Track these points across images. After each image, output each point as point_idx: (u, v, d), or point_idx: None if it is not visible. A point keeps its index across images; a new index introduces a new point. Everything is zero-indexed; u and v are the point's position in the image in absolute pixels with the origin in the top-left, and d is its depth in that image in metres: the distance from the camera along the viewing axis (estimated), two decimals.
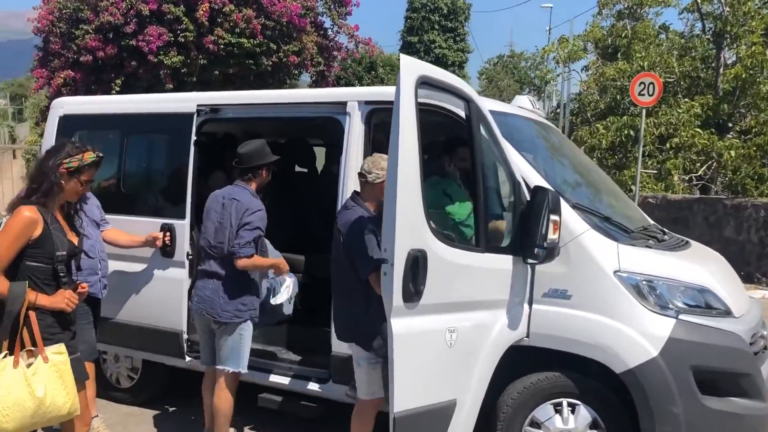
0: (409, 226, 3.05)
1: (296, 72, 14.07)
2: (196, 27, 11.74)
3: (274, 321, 4.43)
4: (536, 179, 3.76)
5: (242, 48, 12.03)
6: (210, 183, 4.88)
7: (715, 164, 13.37)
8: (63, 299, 3.18)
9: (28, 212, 3.08)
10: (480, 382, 3.54)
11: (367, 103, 4.17)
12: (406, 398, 3.13)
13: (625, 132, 13.36)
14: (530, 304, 3.74)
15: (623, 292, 3.57)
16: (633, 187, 11.89)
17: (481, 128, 3.54)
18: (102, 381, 5.11)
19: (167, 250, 4.67)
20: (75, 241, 3.32)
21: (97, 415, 4.53)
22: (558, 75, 21.62)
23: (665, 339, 3.48)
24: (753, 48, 12.22)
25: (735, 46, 13.57)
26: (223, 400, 4.12)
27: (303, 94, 4.75)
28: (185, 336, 4.70)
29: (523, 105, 4.99)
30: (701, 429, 3.48)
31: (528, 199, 3.61)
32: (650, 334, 3.50)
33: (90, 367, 3.92)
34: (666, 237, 4.42)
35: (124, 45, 11.66)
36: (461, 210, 3.91)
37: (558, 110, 24.16)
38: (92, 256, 4.24)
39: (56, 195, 3.21)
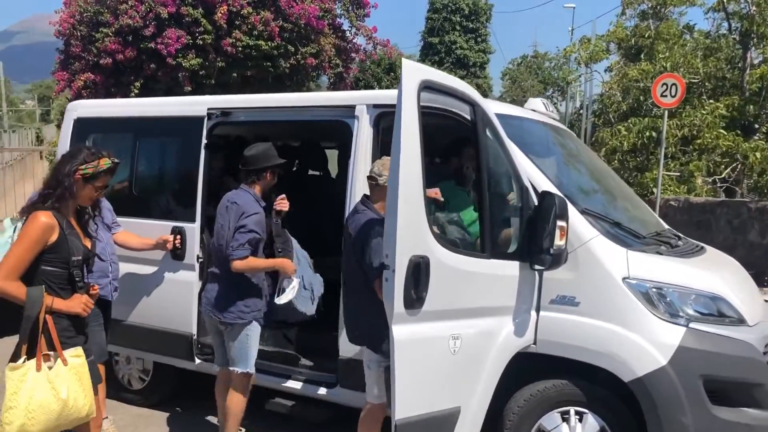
0: (411, 231, 3.02)
1: (314, 74, 14.10)
2: (215, 29, 11.83)
3: (296, 319, 4.44)
4: (544, 184, 3.71)
5: (260, 50, 12.09)
6: (224, 187, 4.90)
7: (740, 166, 13.12)
8: (79, 304, 3.21)
9: (45, 218, 3.10)
10: (485, 389, 3.50)
11: (376, 106, 4.16)
12: (408, 405, 3.11)
13: (647, 134, 13.16)
14: (538, 310, 3.70)
15: (632, 300, 3.51)
16: (655, 190, 11.71)
17: (487, 132, 3.50)
18: (113, 382, 5.16)
19: (178, 253, 4.70)
20: (88, 245, 3.35)
21: (107, 417, 4.57)
22: (580, 76, 21.41)
23: (675, 347, 3.41)
24: None
25: (762, 45, 13.30)
26: (234, 401, 4.14)
27: (312, 97, 4.75)
28: (195, 338, 4.72)
29: (536, 108, 4.93)
30: None
31: (535, 204, 3.57)
32: (659, 343, 3.43)
33: (100, 369, 3.95)
34: (680, 243, 4.33)
35: (143, 48, 11.78)
36: (466, 215, 3.87)
37: (581, 111, 23.93)
38: (103, 259, 4.27)
39: (71, 200, 3.24)
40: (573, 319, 3.61)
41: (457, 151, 4.41)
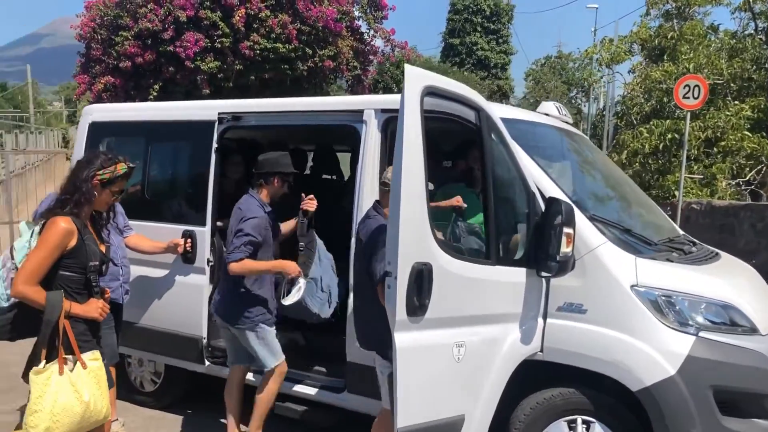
0: (414, 238, 3.00)
1: (332, 77, 14.14)
2: (233, 33, 11.94)
3: (310, 320, 4.47)
4: (552, 189, 3.67)
5: (278, 53, 12.16)
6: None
7: (765, 169, 12.86)
8: (96, 308, 3.27)
9: (64, 223, 3.14)
10: (490, 397, 3.47)
11: (384, 111, 4.14)
12: (410, 413, 3.09)
13: (669, 136, 12.97)
14: (544, 318, 3.66)
15: (640, 308, 3.45)
16: (677, 193, 11.53)
17: (493, 137, 3.47)
18: (126, 384, 5.22)
19: (188, 257, 4.73)
20: (103, 249, 3.39)
21: (117, 419, 4.62)
22: (601, 77, 21.18)
23: (684, 357, 3.35)
24: None
25: None
26: (264, 393, 4.25)
27: (321, 102, 4.76)
28: (205, 341, 4.74)
29: (549, 111, 4.87)
30: None
31: (542, 210, 3.53)
32: (668, 352, 3.37)
33: (111, 372, 4.00)
34: (694, 249, 4.25)
35: (162, 51, 11.93)
36: (477, 218, 3.84)
37: (604, 113, 23.69)
38: (115, 263, 4.31)
39: (88, 206, 3.28)
40: (580, 327, 3.56)
41: (466, 154, 4.39)
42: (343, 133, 4.62)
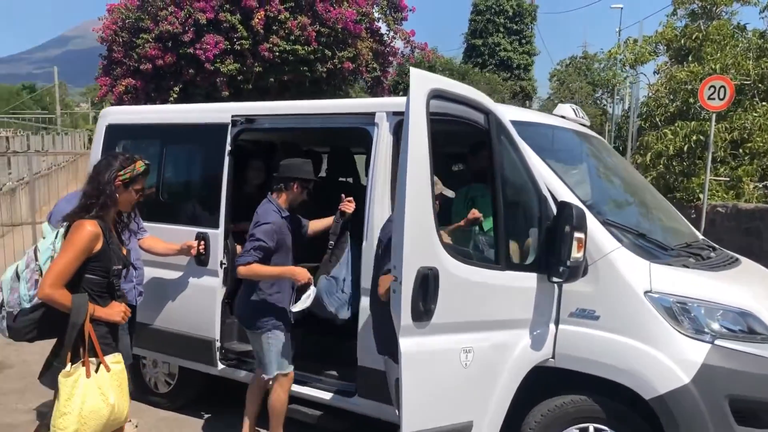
0: (419, 242, 2.98)
1: (351, 78, 14.14)
2: (252, 35, 11.99)
3: (326, 316, 4.43)
4: (564, 193, 3.60)
5: (297, 55, 12.20)
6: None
7: None
8: (119, 312, 3.31)
9: (91, 227, 3.17)
10: (499, 403, 3.42)
11: (395, 113, 4.11)
12: (416, 418, 3.07)
13: (694, 137, 12.75)
14: (556, 324, 3.60)
15: (654, 314, 3.37)
16: (701, 196, 11.33)
17: (503, 140, 3.42)
18: (140, 385, 5.26)
19: (201, 259, 4.74)
20: (124, 252, 3.42)
21: (131, 420, 4.63)
22: (625, 78, 20.92)
23: (698, 365, 3.26)
24: None
25: None
26: (273, 400, 4.26)
27: (333, 104, 4.73)
28: (218, 344, 4.75)
29: (566, 114, 4.80)
30: None
31: (554, 214, 3.47)
32: (682, 360, 3.29)
33: None
34: (712, 254, 4.15)
35: (182, 53, 12.03)
36: (486, 222, 3.80)
37: (629, 114, 23.41)
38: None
39: (113, 207, 3.31)
40: (593, 333, 3.49)
41: (482, 154, 4.34)
42: (356, 136, 4.60)
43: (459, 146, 4.71)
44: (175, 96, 12.04)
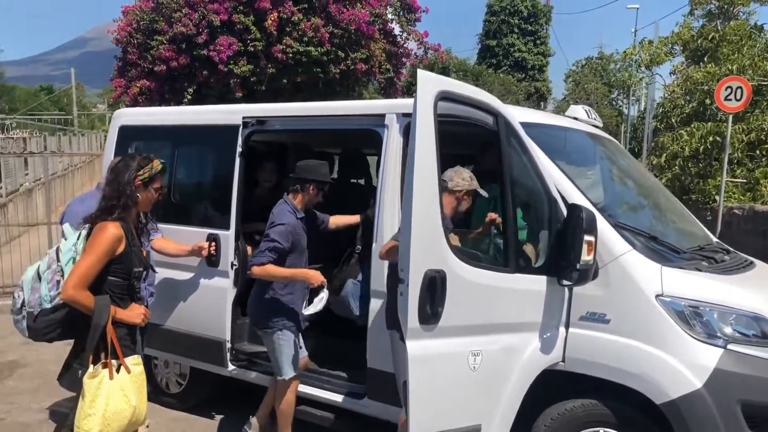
0: (427, 245, 2.96)
1: (364, 79, 14.14)
2: (265, 36, 12.01)
3: (345, 315, 4.51)
4: (575, 195, 3.57)
5: (310, 56, 12.20)
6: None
7: None
8: (139, 314, 3.34)
9: (114, 229, 3.19)
10: (508, 407, 3.40)
11: (405, 115, 4.09)
12: (423, 422, 3.05)
13: (711, 139, 12.61)
14: (567, 327, 3.56)
15: (665, 318, 3.33)
16: (717, 197, 11.21)
17: (512, 142, 3.40)
18: (152, 385, 5.27)
19: (212, 260, 4.76)
20: (144, 254, 3.44)
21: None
22: (641, 79, 20.75)
23: (711, 370, 3.22)
24: None
25: None
26: (281, 403, 4.28)
27: (344, 106, 4.73)
28: (228, 345, 4.76)
29: (578, 115, 4.77)
30: None
31: (564, 216, 3.44)
32: (694, 364, 3.25)
33: None
34: (726, 257, 4.10)
35: (196, 55, 12.07)
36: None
37: (645, 115, 23.24)
38: None
39: (134, 208, 3.34)
40: (603, 337, 3.46)
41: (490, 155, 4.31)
42: (366, 137, 4.59)
43: (468, 148, 4.68)
44: (189, 97, 12.09)
